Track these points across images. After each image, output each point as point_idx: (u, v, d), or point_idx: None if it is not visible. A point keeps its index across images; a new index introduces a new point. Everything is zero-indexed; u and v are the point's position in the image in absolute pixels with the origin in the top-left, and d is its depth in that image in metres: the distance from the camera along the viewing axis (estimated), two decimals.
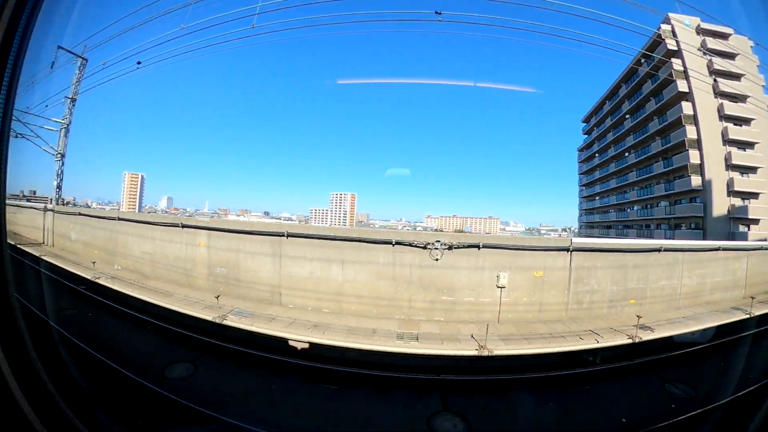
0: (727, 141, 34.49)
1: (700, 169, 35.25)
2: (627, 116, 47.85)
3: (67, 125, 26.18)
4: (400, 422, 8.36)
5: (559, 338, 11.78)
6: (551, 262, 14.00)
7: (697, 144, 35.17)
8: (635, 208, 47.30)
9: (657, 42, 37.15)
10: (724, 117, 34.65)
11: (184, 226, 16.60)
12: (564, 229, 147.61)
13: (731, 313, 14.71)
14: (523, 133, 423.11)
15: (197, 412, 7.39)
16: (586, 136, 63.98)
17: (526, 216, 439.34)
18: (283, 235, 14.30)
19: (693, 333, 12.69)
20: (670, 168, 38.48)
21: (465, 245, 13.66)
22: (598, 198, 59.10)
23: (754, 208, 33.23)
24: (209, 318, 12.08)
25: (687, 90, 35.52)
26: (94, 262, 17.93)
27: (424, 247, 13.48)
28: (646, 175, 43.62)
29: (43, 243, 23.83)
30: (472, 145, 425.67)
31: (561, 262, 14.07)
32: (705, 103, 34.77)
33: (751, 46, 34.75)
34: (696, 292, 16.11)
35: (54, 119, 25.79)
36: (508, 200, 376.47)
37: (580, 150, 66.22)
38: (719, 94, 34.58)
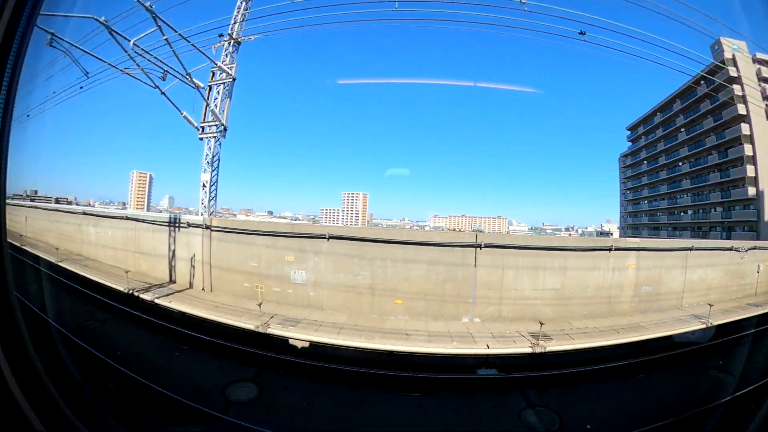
0: None
1: (755, 181, 40.15)
2: (682, 129, 52.05)
3: None
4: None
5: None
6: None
7: (753, 160, 40.03)
8: (689, 212, 51.67)
9: (718, 67, 41.81)
10: None
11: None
12: (567, 229, 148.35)
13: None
14: (523, 133, 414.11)
15: None
16: (630, 143, 68.71)
17: (526, 215, 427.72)
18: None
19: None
20: (727, 179, 44.01)
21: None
22: (646, 201, 63.17)
23: None
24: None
25: (745, 113, 40.41)
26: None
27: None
28: (701, 183, 48.61)
29: (190, 287, 16.85)
30: (472, 145, 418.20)
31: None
32: (760, 124, 39.52)
33: None
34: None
35: None
36: (509, 200, 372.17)
37: (624, 156, 71.53)
38: None
